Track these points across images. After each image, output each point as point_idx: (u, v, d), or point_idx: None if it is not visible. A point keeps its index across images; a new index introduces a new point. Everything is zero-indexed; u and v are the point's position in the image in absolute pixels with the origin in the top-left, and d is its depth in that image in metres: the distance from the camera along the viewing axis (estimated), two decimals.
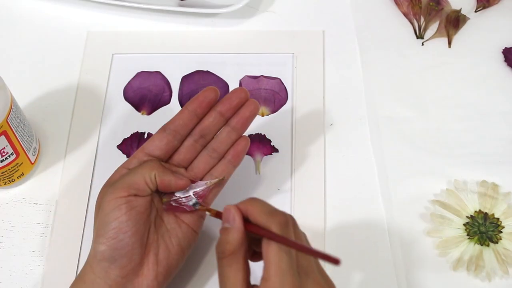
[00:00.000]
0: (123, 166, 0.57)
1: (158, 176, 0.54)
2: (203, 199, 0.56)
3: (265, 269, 0.45)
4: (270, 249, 0.45)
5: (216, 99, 0.57)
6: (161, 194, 0.56)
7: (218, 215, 0.52)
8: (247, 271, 0.47)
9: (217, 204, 0.57)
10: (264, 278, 0.45)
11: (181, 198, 0.55)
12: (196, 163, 0.57)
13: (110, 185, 0.55)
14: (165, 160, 0.57)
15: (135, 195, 0.53)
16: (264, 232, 0.45)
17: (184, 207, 0.55)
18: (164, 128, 0.57)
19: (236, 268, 0.46)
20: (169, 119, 0.68)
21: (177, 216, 0.56)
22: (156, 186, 0.54)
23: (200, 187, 0.56)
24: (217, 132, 0.58)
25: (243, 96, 0.57)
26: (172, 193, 0.55)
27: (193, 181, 0.56)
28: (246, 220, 0.47)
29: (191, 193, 0.55)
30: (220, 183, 0.57)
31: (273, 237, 0.45)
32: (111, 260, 0.52)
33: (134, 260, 0.53)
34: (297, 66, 0.72)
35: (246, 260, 0.47)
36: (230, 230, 0.47)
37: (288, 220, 0.47)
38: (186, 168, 0.57)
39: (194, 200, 0.55)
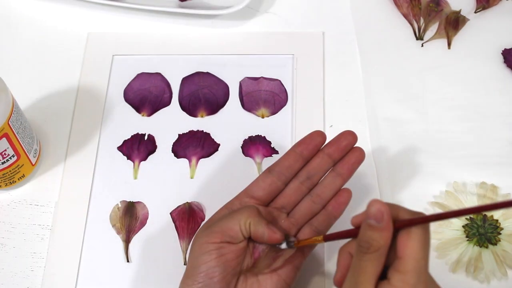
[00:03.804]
0: (225, 206, 0.56)
1: (253, 225, 0.53)
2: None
3: (402, 262, 0.44)
4: (411, 243, 0.44)
5: (323, 142, 0.57)
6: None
7: (329, 237, 0.51)
8: (383, 266, 0.46)
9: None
10: (399, 271, 0.44)
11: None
12: (298, 208, 0.57)
13: (207, 226, 0.54)
14: (268, 202, 0.56)
15: (228, 242, 0.52)
16: (417, 220, 0.44)
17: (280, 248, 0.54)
18: (269, 170, 0.57)
19: (376, 264, 0.45)
20: (169, 121, 0.69)
21: (272, 267, 0.54)
22: (249, 234, 0.53)
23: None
24: (324, 174, 0.57)
25: (351, 139, 0.56)
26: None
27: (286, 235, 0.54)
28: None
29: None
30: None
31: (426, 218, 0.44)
32: None
33: None
34: (297, 67, 0.72)
35: (386, 256, 0.46)
36: (377, 228, 0.45)
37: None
38: (288, 213, 0.57)
39: (285, 244, 0.54)
